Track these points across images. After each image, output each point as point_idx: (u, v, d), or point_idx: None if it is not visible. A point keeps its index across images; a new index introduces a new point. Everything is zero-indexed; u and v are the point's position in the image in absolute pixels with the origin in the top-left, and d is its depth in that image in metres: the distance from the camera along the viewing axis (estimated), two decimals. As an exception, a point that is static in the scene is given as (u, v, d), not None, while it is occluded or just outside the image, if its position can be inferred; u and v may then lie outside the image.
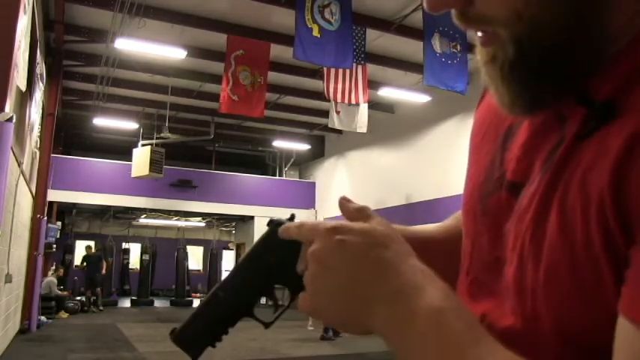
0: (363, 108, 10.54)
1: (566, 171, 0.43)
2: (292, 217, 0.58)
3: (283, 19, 8.83)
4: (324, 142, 17.53)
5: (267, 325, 0.57)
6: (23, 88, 5.97)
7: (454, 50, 8.74)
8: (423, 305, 0.44)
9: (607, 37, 0.43)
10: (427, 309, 0.44)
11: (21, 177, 7.57)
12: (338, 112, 10.68)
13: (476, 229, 0.54)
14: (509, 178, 0.50)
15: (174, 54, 9.70)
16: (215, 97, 10.72)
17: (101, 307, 14.28)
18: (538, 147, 0.48)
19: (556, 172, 0.44)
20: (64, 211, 17.71)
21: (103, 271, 15.10)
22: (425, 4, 0.48)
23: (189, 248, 19.37)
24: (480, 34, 0.48)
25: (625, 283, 0.38)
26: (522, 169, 0.49)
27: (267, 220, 0.59)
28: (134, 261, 19.92)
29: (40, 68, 8.52)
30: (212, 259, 17.93)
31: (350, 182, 15.87)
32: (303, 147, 16.90)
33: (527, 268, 0.45)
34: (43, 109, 10.26)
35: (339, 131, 14.10)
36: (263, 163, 18.86)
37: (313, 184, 17.74)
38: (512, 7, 0.44)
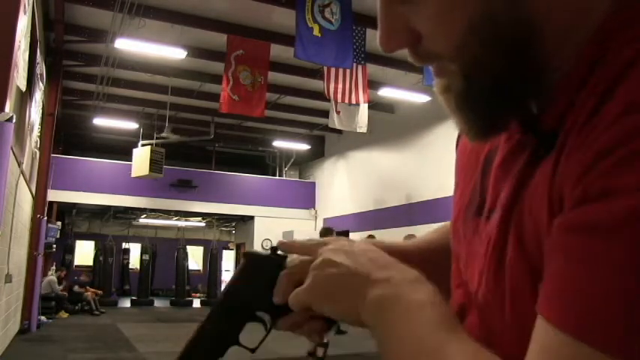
0: (363, 108, 10.54)
1: (520, 196, 0.46)
2: (274, 249, 0.64)
3: (283, 19, 8.83)
4: (324, 142, 17.53)
5: (252, 351, 0.61)
6: (23, 88, 5.96)
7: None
8: (409, 293, 0.49)
9: (550, 67, 0.45)
10: (413, 297, 0.49)
11: (21, 177, 7.57)
12: (338, 112, 10.67)
13: (459, 252, 0.58)
14: (489, 204, 0.52)
15: (174, 54, 9.70)
16: (215, 97, 10.72)
17: (102, 310, 13.81)
18: (506, 173, 0.50)
19: (511, 198, 0.47)
20: (64, 211, 17.71)
21: None
22: (380, 46, 0.50)
23: (189, 248, 19.36)
24: (433, 67, 0.50)
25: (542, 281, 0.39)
26: (495, 195, 0.51)
27: (244, 252, 0.65)
28: (134, 261, 19.93)
29: (40, 68, 8.51)
30: (212, 259, 17.91)
31: (350, 182, 15.87)
32: (303, 147, 16.90)
33: (492, 289, 0.47)
34: (43, 109, 10.25)
35: (339, 131, 14.10)
36: (263, 163, 18.85)
37: (313, 184, 17.74)
38: (455, 43, 0.45)
